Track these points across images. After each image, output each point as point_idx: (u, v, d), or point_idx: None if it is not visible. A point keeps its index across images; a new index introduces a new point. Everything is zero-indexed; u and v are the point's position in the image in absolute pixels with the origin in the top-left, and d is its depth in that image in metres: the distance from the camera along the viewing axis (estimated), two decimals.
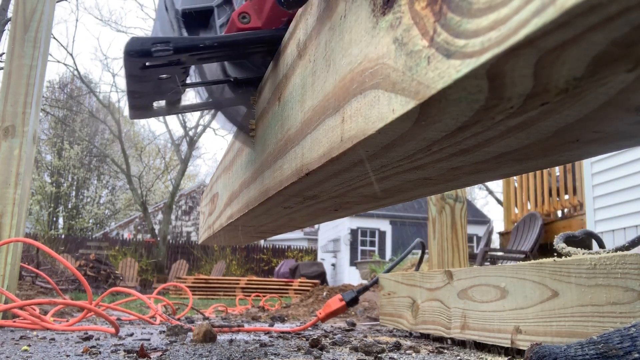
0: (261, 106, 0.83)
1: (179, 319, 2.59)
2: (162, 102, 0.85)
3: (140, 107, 0.81)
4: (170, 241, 18.60)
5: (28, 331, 1.79)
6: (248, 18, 0.78)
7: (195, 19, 0.93)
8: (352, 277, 14.47)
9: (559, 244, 1.34)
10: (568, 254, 1.25)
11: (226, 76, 0.87)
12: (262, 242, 20.82)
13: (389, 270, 2.30)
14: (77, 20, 18.46)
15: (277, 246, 19.58)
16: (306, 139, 0.58)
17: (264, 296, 5.36)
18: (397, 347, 1.45)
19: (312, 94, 0.56)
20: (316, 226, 21.81)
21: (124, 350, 1.32)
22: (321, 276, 12.77)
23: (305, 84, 0.59)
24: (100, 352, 1.30)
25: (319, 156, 0.53)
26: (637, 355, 0.61)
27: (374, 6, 0.40)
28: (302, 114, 0.59)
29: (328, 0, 0.52)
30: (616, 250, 1.21)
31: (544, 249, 5.96)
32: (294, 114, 0.63)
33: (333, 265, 17.07)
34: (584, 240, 1.52)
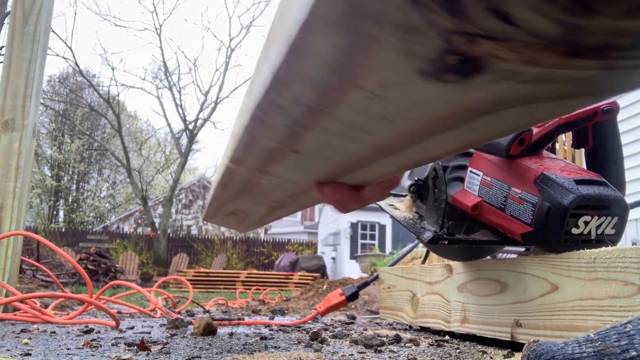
0: None
1: (179, 312, 2.59)
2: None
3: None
4: (171, 235, 18.64)
5: (29, 324, 1.80)
6: None
7: None
8: (352, 270, 14.50)
9: None
10: None
11: None
12: (262, 235, 20.87)
13: (393, 264, 2.30)
14: (75, 13, 18.32)
15: (277, 239, 19.64)
16: None
17: (264, 289, 5.37)
18: (397, 340, 1.46)
19: None
20: (316, 219, 21.85)
21: (125, 343, 1.32)
22: (321, 269, 12.82)
23: None
24: (100, 345, 1.30)
25: None
26: (634, 353, 0.61)
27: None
28: None
29: None
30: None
31: None
32: None
33: (333, 258, 17.10)
34: None
